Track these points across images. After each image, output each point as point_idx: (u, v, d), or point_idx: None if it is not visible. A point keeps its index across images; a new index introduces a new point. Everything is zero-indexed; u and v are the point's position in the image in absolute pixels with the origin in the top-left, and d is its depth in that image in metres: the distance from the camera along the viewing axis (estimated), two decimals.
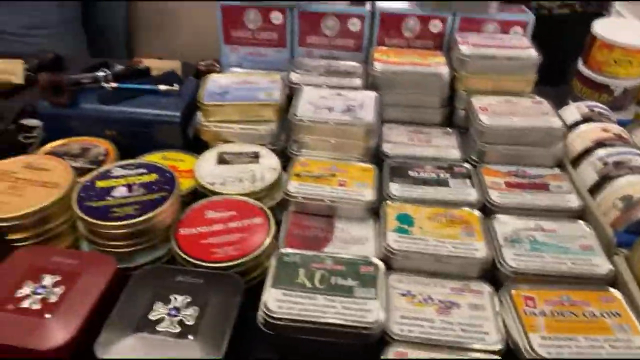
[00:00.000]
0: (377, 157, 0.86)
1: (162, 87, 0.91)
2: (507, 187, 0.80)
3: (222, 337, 0.55)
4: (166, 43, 1.82)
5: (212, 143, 0.88)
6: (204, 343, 0.54)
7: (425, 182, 0.80)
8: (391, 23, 0.98)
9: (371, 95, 0.88)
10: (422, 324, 0.61)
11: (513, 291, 0.63)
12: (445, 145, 0.90)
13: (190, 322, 0.56)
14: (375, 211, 0.77)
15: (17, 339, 0.53)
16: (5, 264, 0.62)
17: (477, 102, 0.88)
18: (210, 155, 0.83)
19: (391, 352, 0.58)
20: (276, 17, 0.97)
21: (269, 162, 0.82)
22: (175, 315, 0.57)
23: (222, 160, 0.82)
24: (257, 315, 0.60)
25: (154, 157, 0.85)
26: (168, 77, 0.96)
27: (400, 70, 0.91)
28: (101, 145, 0.86)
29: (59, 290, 0.58)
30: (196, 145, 0.90)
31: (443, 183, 0.80)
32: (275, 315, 0.58)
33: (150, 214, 0.65)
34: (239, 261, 0.64)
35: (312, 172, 0.81)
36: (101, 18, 1.72)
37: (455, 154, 0.88)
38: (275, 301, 0.59)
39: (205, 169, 0.80)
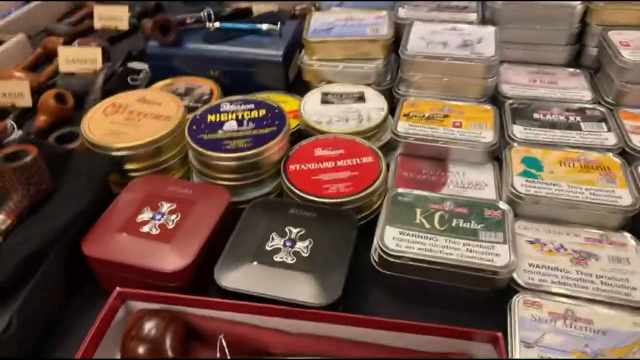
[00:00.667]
0: (494, 100, 0.79)
1: (265, 26, 0.89)
2: None
3: (338, 272, 0.52)
4: None
5: (314, 84, 0.85)
6: (321, 276, 0.52)
7: (553, 125, 0.72)
8: None
9: (490, 29, 0.80)
10: (555, 273, 0.55)
11: None
12: (573, 87, 0.80)
13: (306, 254, 0.54)
14: (494, 155, 0.71)
15: (143, 260, 0.54)
16: (127, 191, 0.63)
17: (617, 36, 0.77)
18: (314, 95, 0.80)
19: (520, 300, 0.52)
20: None
21: (375, 102, 0.77)
22: (291, 247, 0.55)
23: (325, 100, 0.79)
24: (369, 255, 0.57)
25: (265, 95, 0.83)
26: (270, 17, 0.93)
27: (524, 1, 0.81)
28: (205, 85, 0.86)
29: (175, 217, 0.59)
30: (298, 88, 0.88)
31: (574, 127, 0.71)
32: (393, 253, 0.55)
33: (261, 148, 0.64)
34: (351, 197, 0.61)
35: (422, 112, 0.75)
36: None
37: (585, 95, 0.78)
38: (392, 239, 0.56)
39: (311, 108, 0.77)
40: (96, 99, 0.83)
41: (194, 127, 0.68)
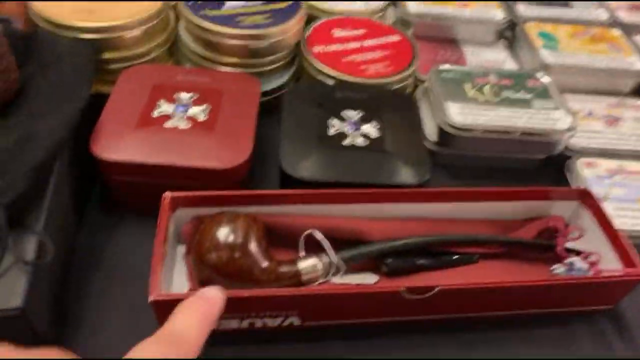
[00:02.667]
0: None
1: None
2: (632, 9, 0.74)
3: (418, 151, 0.48)
4: None
5: None
6: (404, 157, 0.46)
7: (549, 3, 0.73)
8: None
9: None
10: (596, 135, 0.57)
11: None
12: None
13: (377, 135, 0.48)
14: (502, 34, 0.70)
15: (183, 159, 0.43)
16: (122, 83, 0.49)
17: None
18: None
19: (580, 162, 0.54)
20: None
21: None
22: (357, 130, 0.48)
23: None
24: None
25: None
26: None
27: None
28: None
29: (204, 108, 0.47)
30: None
31: (564, 4, 0.73)
32: (463, 127, 0.51)
33: (286, 23, 0.53)
34: (397, 76, 0.55)
35: None
36: None
37: None
38: (458, 114, 0.52)
39: None
40: None
41: (190, 2, 0.54)
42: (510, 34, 0.69)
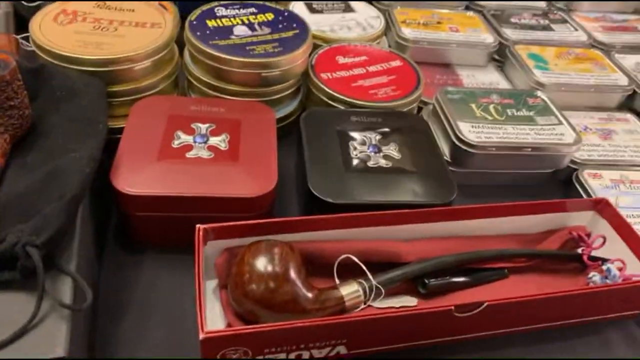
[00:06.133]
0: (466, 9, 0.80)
1: None
2: (605, 30, 0.79)
3: (440, 170, 0.48)
4: None
5: None
6: (427, 176, 0.47)
7: (531, 27, 0.77)
8: None
9: None
10: (595, 148, 0.60)
11: None
12: None
13: (399, 156, 0.48)
14: (493, 57, 0.72)
15: (209, 189, 0.42)
16: (135, 116, 0.47)
17: None
18: (297, 5, 0.71)
19: (585, 173, 0.56)
20: None
21: (368, 11, 0.72)
22: (379, 152, 0.48)
23: (313, 9, 0.70)
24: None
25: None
26: None
27: None
28: None
29: (224, 138, 0.46)
30: None
31: (547, 28, 0.77)
32: (477, 145, 0.52)
33: (295, 52, 0.54)
34: (406, 99, 0.56)
35: (416, 19, 0.73)
36: None
37: (541, 3, 0.84)
38: (469, 132, 0.53)
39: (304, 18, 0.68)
40: (8, 12, 0.60)
41: (198, 33, 0.54)
42: (500, 57, 0.72)
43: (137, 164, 0.43)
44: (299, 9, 0.70)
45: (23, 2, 0.63)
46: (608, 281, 0.42)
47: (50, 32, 0.50)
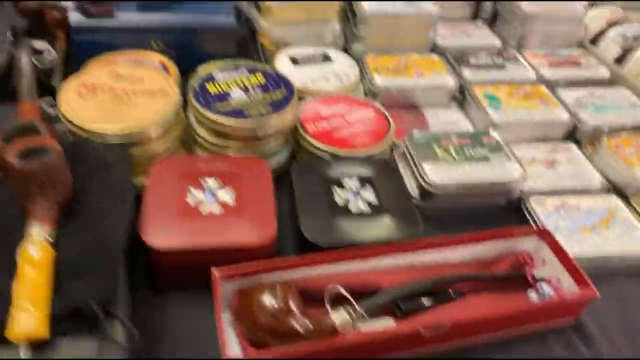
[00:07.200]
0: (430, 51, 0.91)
1: None
2: (551, 66, 0.91)
3: (410, 210, 0.58)
4: None
5: (267, 47, 0.85)
6: (401, 219, 0.57)
7: (487, 67, 0.88)
8: None
9: None
10: (540, 178, 0.70)
11: (605, 140, 0.74)
12: (483, 35, 0.97)
13: (376, 202, 0.58)
14: (454, 97, 0.83)
15: (226, 239, 0.51)
16: (153, 176, 0.56)
17: None
18: (281, 59, 0.80)
19: (533, 201, 0.66)
20: None
21: (344, 61, 0.82)
22: (357, 195, 0.58)
23: (295, 62, 0.80)
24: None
25: (212, 67, 0.79)
26: None
27: None
28: (153, 59, 0.78)
29: (230, 192, 0.56)
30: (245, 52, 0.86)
31: (500, 67, 0.88)
32: (439, 184, 0.63)
33: (283, 111, 0.63)
34: (382, 147, 0.66)
35: (386, 66, 0.83)
36: None
37: (496, 42, 0.96)
38: (434, 174, 0.64)
39: (287, 71, 0.77)
40: (31, 84, 0.69)
41: (201, 99, 0.63)
42: (460, 96, 0.83)
43: (162, 220, 0.52)
44: (283, 61, 0.80)
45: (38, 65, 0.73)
46: (545, 298, 0.53)
47: (76, 106, 0.59)
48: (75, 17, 0.76)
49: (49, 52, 0.81)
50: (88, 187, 0.51)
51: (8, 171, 0.46)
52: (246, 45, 0.86)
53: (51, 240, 0.44)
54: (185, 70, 0.75)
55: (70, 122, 0.57)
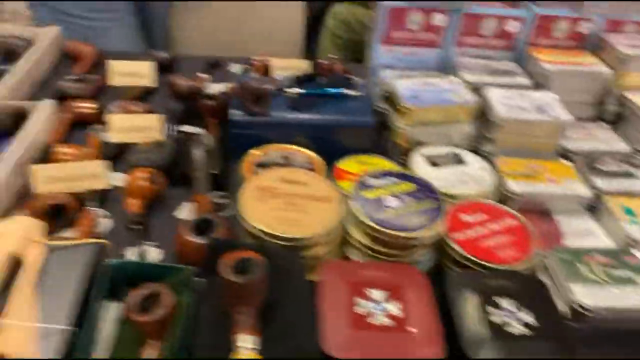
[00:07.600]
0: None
1: (349, 91, 0.91)
2: None
3: (565, 335, 0.60)
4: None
5: (404, 145, 0.90)
6: (557, 342, 0.58)
7: (616, 174, 0.88)
8: (545, 24, 1.04)
9: (551, 95, 0.94)
10: None
11: None
12: (608, 138, 0.98)
13: (535, 324, 0.60)
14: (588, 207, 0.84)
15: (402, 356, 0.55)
16: (323, 281, 0.62)
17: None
18: (418, 159, 0.85)
19: None
20: (439, 19, 1.00)
21: (477, 163, 0.86)
22: (514, 317, 0.61)
23: (433, 163, 0.85)
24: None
25: (350, 162, 0.85)
26: (340, 80, 0.95)
27: (571, 70, 0.98)
28: (300, 153, 0.85)
29: (397, 304, 0.60)
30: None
31: (631, 175, 0.89)
32: (591, 308, 0.64)
33: (439, 221, 0.68)
34: (527, 263, 0.68)
35: (517, 170, 0.86)
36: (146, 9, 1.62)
37: (622, 146, 0.96)
38: (585, 295, 0.65)
39: (424, 172, 0.82)
40: (203, 175, 0.77)
41: (365, 208, 0.68)
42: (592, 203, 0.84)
43: (336, 329, 0.56)
44: (418, 161, 0.85)
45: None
46: None
47: (255, 210, 0.66)
48: (235, 112, 0.86)
49: (209, 139, 0.90)
50: (280, 296, 0.56)
51: (223, 284, 0.52)
52: (379, 141, 0.92)
53: (258, 348, 0.50)
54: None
55: (250, 224, 0.64)
